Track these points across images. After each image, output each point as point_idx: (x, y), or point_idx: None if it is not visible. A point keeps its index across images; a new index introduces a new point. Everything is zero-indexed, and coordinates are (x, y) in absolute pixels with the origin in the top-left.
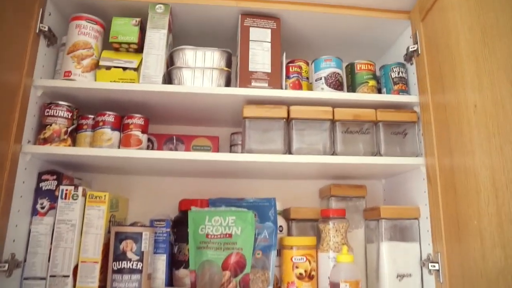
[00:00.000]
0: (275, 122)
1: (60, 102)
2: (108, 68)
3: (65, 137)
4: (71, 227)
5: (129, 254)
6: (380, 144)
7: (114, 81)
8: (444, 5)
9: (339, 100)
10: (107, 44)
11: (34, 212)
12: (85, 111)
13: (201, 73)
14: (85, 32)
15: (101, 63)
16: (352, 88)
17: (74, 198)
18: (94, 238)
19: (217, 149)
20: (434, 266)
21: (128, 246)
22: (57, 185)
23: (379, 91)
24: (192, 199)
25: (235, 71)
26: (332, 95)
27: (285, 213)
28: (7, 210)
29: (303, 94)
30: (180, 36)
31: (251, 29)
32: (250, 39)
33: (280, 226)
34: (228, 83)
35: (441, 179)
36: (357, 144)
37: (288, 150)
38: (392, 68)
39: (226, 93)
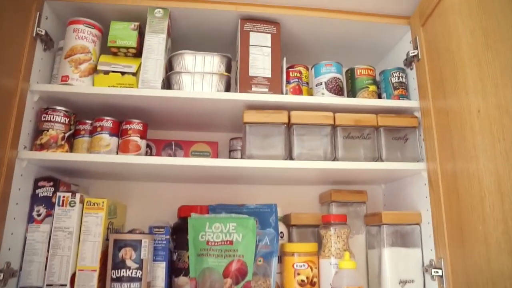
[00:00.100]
0: (275, 127)
1: (57, 107)
2: (106, 72)
3: (62, 142)
4: (68, 235)
5: (128, 262)
6: (381, 149)
7: (112, 86)
8: (445, 10)
9: (339, 105)
10: (105, 49)
11: (30, 219)
12: (82, 117)
13: (200, 78)
14: (83, 37)
15: (99, 67)
16: (352, 93)
17: (72, 205)
18: (92, 246)
19: (216, 155)
20: (437, 272)
21: (127, 254)
22: (54, 192)
23: (379, 96)
24: (192, 205)
25: (234, 76)
26: (333, 100)
27: (286, 219)
28: (2, 218)
29: (304, 99)
30: (179, 40)
31: (251, 33)
32: (250, 43)
33: (281, 233)
34: (228, 88)
35: (443, 184)
36: (358, 149)
37: (289, 156)
38: (392, 73)
39: (226, 98)
